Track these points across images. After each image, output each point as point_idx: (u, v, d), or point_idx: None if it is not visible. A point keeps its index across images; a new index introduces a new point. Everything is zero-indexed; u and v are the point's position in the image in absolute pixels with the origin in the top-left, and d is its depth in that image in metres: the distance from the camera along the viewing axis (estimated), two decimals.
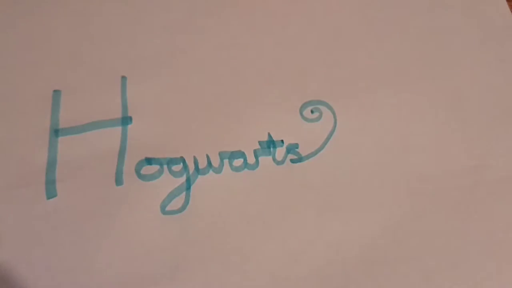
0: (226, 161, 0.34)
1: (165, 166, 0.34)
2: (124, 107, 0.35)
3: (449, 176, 0.35)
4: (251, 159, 0.34)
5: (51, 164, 0.33)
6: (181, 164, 0.34)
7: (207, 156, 0.34)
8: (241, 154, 0.34)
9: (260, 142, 0.35)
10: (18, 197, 0.32)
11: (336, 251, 0.33)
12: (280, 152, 0.35)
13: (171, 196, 0.33)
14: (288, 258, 0.32)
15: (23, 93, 0.34)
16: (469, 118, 0.36)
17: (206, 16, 0.37)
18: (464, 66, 0.37)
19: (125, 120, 0.34)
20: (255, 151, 0.34)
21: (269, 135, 0.35)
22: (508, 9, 0.39)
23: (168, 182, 0.33)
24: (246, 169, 0.34)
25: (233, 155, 0.34)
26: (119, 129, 0.34)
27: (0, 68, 0.35)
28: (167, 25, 0.37)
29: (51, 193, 0.32)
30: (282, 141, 0.35)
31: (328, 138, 0.35)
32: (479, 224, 0.34)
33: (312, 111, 0.36)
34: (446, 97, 0.36)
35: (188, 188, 0.33)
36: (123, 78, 0.35)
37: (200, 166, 0.34)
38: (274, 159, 0.34)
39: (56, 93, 0.35)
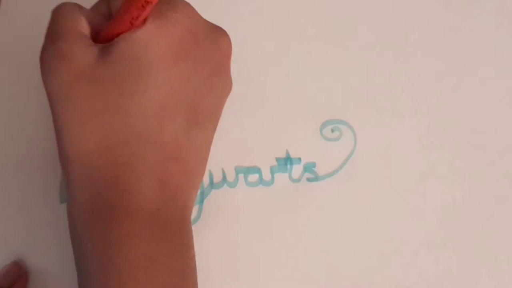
0: (241, 176, 0.34)
1: None
2: None
3: (471, 205, 0.34)
4: (266, 175, 0.34)
5: None
6: None
7: (223, 170, 0.34)
8: (257, 170, 0.34)
9: (277, 159, 0.34)
10: (32, 199, 0.33)
11: (347, 276, 0.32)
12: (297, 170, 0.34)
13: None
14: (298, 277, 0.32)
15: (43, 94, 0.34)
16: (496, 148, 0.35)
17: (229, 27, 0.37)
18: (495, 94, 0.36)
19: None
20: (271, 168, 0.34)
21: (287, 152, 0.34)
22: None
23: None
24: (261, 185, 0.34)
25: (249, 170, 0.34)
26: None
27: (26, 67, 0.35)
28: None
29: (65, 197, 0.33)
30: (299, 158, 0.34)
31: (346, 159, 0.35)
32: (502, 255, 0.33)
33: (332, 130, 0.35)
34: (473, 125, 0.36)
35: (201, 201, 0.33)
36: None
37: (215, 180, 0.34)
38: (290, 177, 0.34)
39: None
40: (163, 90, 0.26)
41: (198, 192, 0.33)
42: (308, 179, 0.34)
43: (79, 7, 0.28)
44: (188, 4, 0.27)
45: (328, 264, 0.32)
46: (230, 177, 0.34)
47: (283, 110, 0.35)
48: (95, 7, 0.29)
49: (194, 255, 0.28)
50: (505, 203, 0.34)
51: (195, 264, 0.28)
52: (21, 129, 0.34)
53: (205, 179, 0.33)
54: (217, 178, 0.34)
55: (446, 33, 0.37)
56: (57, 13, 0.27)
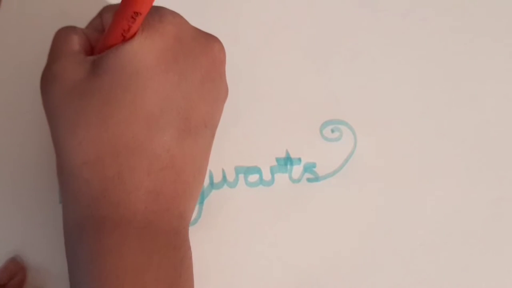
0: (241, 176, 0.34)
1: None
2: None
3: (468, 207, 0.34)
4: (266, 176, 0.34)
5: None
6: None
7: (223, 170, 0.34)
8: (257, 170, 0.34)
9: (277, 159, 0.34)
10: (31, 197, 0.32)
11: (347, 276, 0.32)
12: (297, 170, 0.34)
13: None
14: (298, 277, 0.32)
15: None
16: (495, 148, 0.35)
17: (221, 24, 0.37)
18: (493, 95, 0.36)
19: None
20: (271, 168, 0.34)
21: (287, 152, 0.34)
22: None
23: None
24: (261, 185, 0.34)
25: (249, 170, 0.34)
26: None
27: (26, 67, 0.35)
28: None
29: None
30: (299, 159, 0.34)
31: (346, 160, 0.34)
32: (495, 258, 0.33)
33: (332, 131, 0.35)
34: (474, 126, 0.35)
35: (201, 201, 0.33)
36: None
37: (215, 180, 0.34)
38: (290, 177, 0.34)
39: None
40: (152, 99, 0.26)
41: None
42: (308, 180, 0.34)
43: (73, 28, 0.28)
44: (175, 14, 0.28)
45: (328, 264, 0.32)
46: (230, 177, 0.34)
47: (283, 110, 0.35)
48: (89, 24, 0.30)
49: (190, 266, 0.28)
50: (505, 203, 0.34)
51: (191, 275, 0.28)
52: (22, 128, 0.34)
53: (205, 179, 0.33)
54: (217, 178, 0.34)
55: (448, 33, 0.38)
56: (54, 38, 0.28)
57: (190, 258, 0.28)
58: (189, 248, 0.28)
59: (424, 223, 0.33)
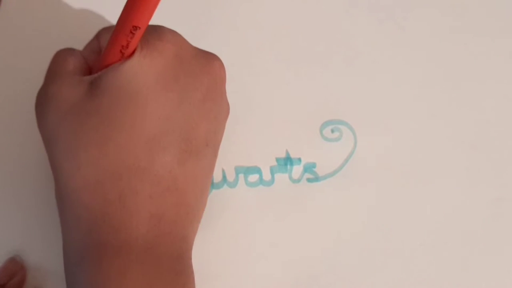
0: (241, 176, 0.34)
1: None
2: None
3: (468, 207, 0.34)
4: (266, 176, 0.34)
5: None
6: None
7: (223, 170, 0.34)
8: (257, 170, 0.34)
9: (277, 159, 0.34)
10: (31, 196, 0.33)
11: (347, 276, 0.32)
12: (297, 170, 0.34)
13: None
14: (298, 277, 0.32)
15: None
16: (495, 148, 0.35)
17: (221, 24, 0.37)
18: (493, 95, 0.36)
19: None
20: (271, 168, 0.34)
21: (287, 152, 0.34)
22: None
23: None
24: (261, 185, 0.34)
25: (249, 170, 0.34)
26: None
27: (26, 67, 0.35)
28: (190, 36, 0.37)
29: None
30: (299, 159, 0.34)
31: (346, 160, 0.35)
32: (495, 258, 0.33)
33: (332, 131, 0.35)
34: (474, 126, 0.35)
35: None
36: None
37: (215, 180, 0.34)
38: (290, 177, 0.34)
39: None
40: (152, 120, 0.25)
41: None
42: (308, 180, 0.34)
43: (71, 50, 0.28)
44: (175, 32, 0.27)
45: (328, 264, 0.32)
46: (230, 177, 0.34)
47: (283, 110, 0.35)
48: (87, 45, 0.29)
49: None
50: (505, 203, 0.34)
51: None
52: (22, 128, 0.34)
53: None
54: (217, 178, 0.34)
55: (448, 33, 0.38)
56: (51, 60, 0.28)
57: (193, 282, 0.27)
58: (192, 272, 0.27)
59: (424, 223, 0.33)
